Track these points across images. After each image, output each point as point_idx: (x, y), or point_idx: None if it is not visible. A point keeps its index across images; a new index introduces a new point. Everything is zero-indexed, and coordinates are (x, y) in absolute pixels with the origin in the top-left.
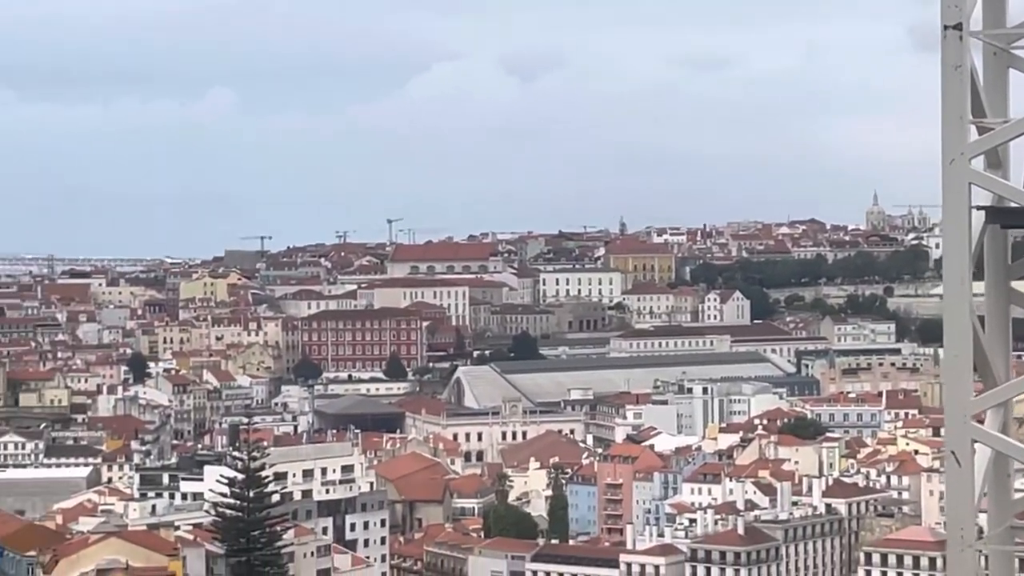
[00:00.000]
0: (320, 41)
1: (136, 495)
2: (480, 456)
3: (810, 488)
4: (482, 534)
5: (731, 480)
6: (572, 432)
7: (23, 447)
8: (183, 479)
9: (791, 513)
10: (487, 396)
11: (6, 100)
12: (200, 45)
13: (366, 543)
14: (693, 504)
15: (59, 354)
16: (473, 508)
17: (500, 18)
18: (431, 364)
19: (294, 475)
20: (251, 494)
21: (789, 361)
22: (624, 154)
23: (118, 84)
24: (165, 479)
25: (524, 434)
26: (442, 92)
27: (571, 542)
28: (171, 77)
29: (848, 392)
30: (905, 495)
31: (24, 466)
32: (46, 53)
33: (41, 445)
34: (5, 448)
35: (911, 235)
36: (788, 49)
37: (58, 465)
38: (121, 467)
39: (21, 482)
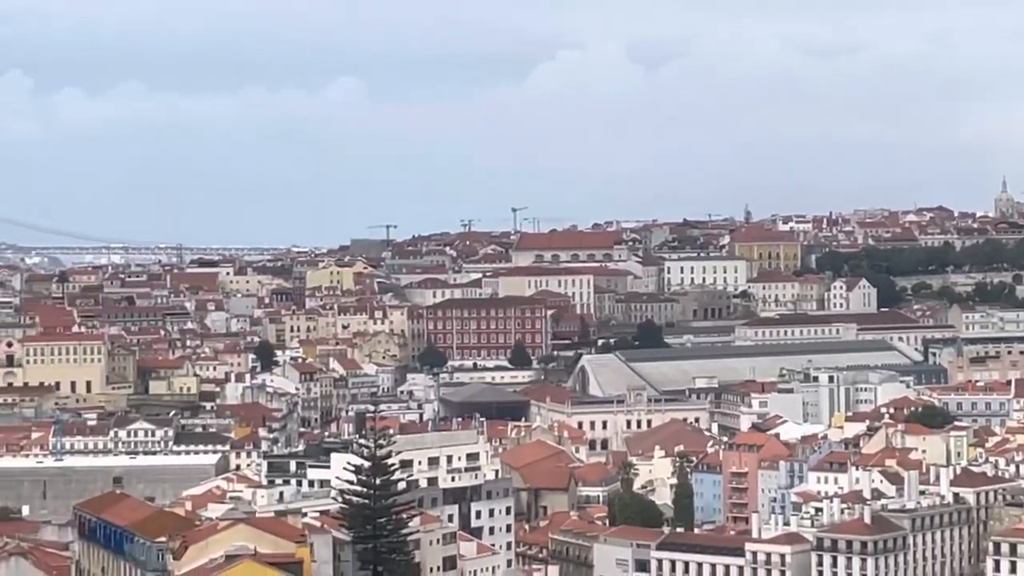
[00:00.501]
0: (446, 31)
1: (264, 482)
2: (605, 444)
3: (937, 477)
4: (607, 522)
5: (857, 469)
6: (697, 420)
7: (153, 434)
8: (310, 466)
9: (918, 503)
10: (612, 384)
11: (136, 91)
12: (328, 35)
13: (491, 531)
14: (819, 493)
15: (188, 342)
16: (598, 496)
17: (625, 7)
18: (555, 352)
19: (420, 463)
20: (377, 481)
21: (916, 349)
22: (749, 141)
23: (247, 74)
24: (292, 466)
25: (649, 422)
26: (566, 81)
27: (696, 531)
28: (299, 67)
29: (976, 380)
30: None
31: (154, 453)
32: (175, 44)
33: (171, 432)
34: (135, 435)
35: None
36: (915, 35)
37: (187, 452)
38: (249, 454)
39: (151, 469)
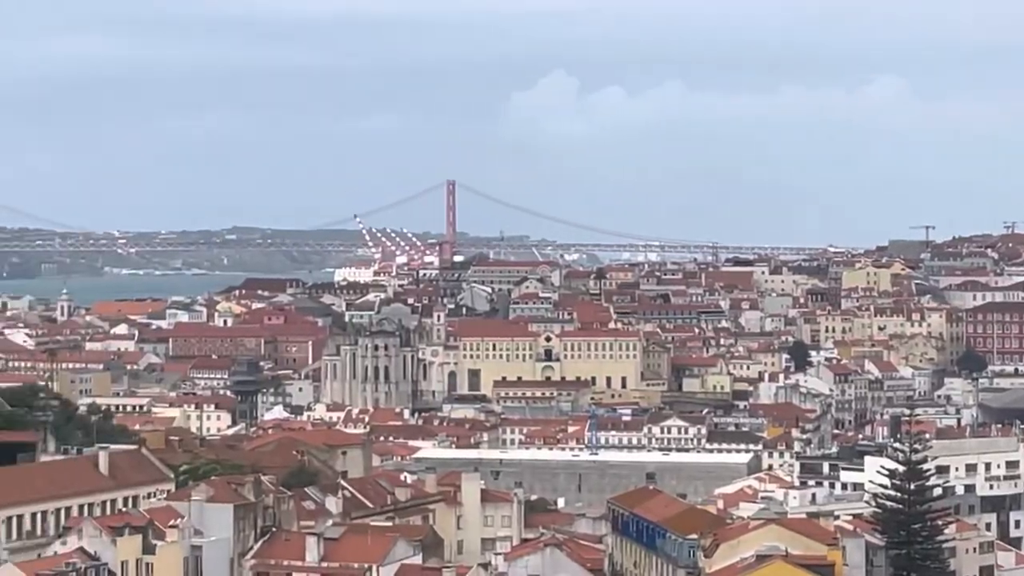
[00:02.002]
0: (992, 24)
1: (796, 483)
2: None
3: None
4: None
5: None
6: None
7: (686, 431)
8: (843, 469)
9: None
10: None
11: (675, 90)
12: (867, 32)
13: None
14: None
15: (722, 341)
16: None
17: None
18: None
19: (956, 469)
20: (912, 487)
21: None
22: None
23: (784, 72)
24: (825, 468)
25: None
26: None
27: None
28: (837, 64)
29: None
30: None
31: (687, 450)
32: (714, 45)
33: (703, 430)
34: (668, 432)
35: None
36: None
37: (719, 450)
38: (781, 455)
39: (684, 466)
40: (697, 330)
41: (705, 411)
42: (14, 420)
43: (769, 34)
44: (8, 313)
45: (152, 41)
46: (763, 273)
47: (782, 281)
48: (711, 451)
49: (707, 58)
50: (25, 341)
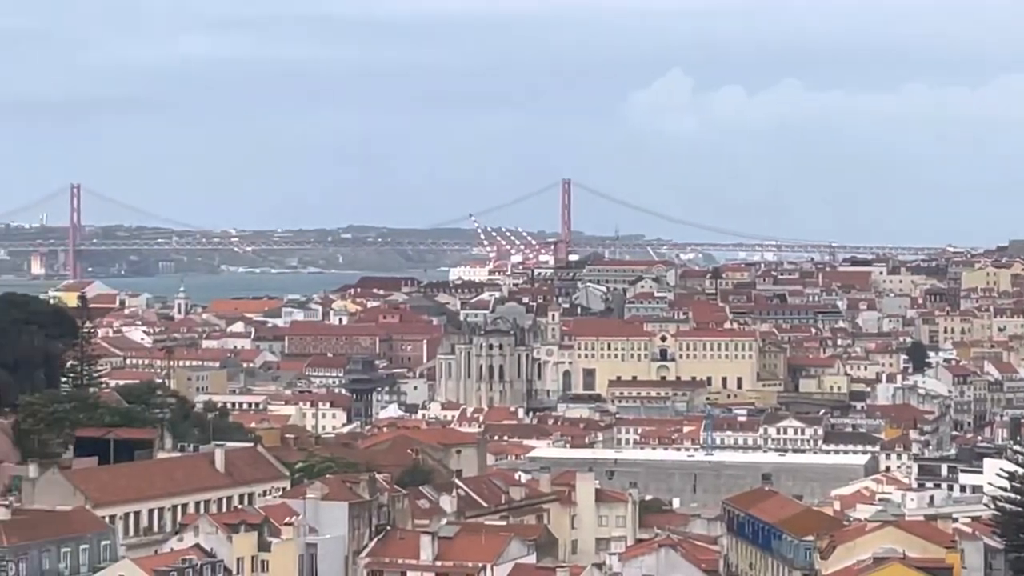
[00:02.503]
0: None
1: (914, 485)
2: None
3: None
4: None
5: None
6: None
7: (802, 432)
8: (961, 471)
9: None
10: None
11: (793, 89)
12: (991, 29)
13: None
14: None
15: (839, 341)
16: None
17: None
18: None
19: None
20: None
21: None
22: None
23: (905, 71)
24: (943, 470)
25: None
26: None
27: None
28: (960, 62)
29: None
30: None
31: (803, 451)
32: (832, 43)
33: (820, 431)
34: (785, 432)
35: None
36: None
37: (836, 452)
38: (899, 456)
39: (800, 467)
40: (814, 330)
41: (822, 412)
42: (132, 417)
43: (889, 32)
44: (126, 311)
45: (275, 41)
46: (881, 273)
47: (900, 281)
48: (827, 452)
49: (825, 57)
50: (143, 339)
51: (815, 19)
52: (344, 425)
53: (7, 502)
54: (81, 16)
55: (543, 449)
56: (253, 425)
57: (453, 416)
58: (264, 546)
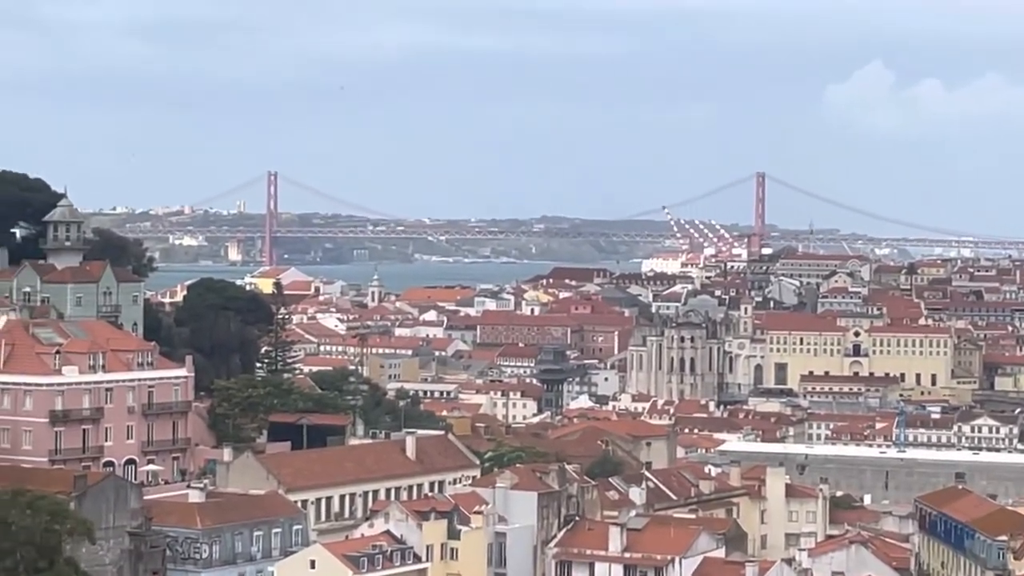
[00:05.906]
0: None
1: None
2: None
3: None
4: None
5: None
6: None
7: (997, 431)
8: None
9: None
10: None
11: (994, 83)
12: None
13: None
14: None
15: None
16: None
17: None
18: None
19: None
20: None
21: None
22: None
23: None
24: None
25: None
26: None
27: None
28: None
29: None
30: None
31: (997, 450)
32: None
33: (1015, 430)
34: (979, 431)
35: None
36: None
37: None
38: None
39: (995, 466)
40: (1010, 328)
41: (1017, 411)
42: (325, 403)
43: None
44: (321, 298)
45: (468, 30)
46: None
47: None
48: (1023, 452)
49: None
50: (337, 325)
51: (1017, 10)
52: (534, 415)
53: (202, 485)
54: (280, 5)
55: (733, 443)
56: (444, 413)
57: (643, 408)
58: (454, 534)
